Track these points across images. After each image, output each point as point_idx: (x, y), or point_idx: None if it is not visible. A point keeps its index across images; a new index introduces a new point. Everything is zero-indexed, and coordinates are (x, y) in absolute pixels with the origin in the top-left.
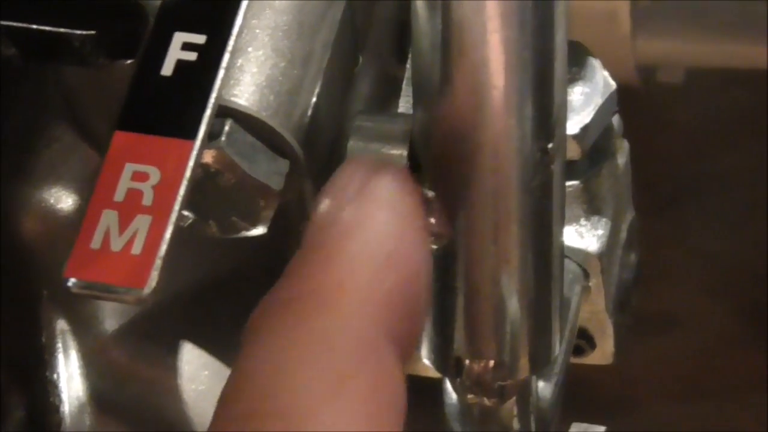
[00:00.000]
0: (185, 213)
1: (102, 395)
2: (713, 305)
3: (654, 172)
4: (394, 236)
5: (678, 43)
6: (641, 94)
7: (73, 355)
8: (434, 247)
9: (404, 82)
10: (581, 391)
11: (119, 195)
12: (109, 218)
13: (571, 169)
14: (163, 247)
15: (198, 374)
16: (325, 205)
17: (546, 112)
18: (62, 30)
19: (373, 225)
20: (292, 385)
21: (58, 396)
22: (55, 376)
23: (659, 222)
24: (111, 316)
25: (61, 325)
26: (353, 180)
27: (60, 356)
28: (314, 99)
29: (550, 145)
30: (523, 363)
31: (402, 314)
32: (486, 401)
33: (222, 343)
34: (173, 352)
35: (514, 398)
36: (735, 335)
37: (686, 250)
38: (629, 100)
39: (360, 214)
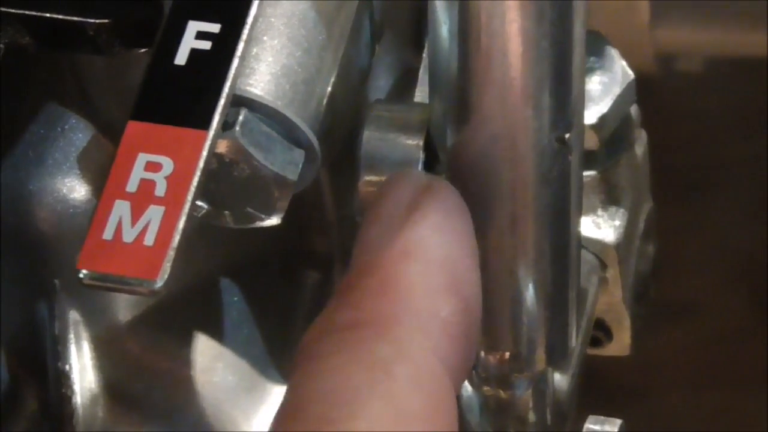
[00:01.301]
0: (199, 203)
1: (115, 386)
2: (731, 295)
3: (673, 162)
4: (450, 262)
5: (697, 32)
6: (660, 84)
7: (86, 346)
8: None
9: (421, 71)
10: (597, 381)
11: (132, 185)
12: (121, 209)
13: (588, 160)
14: (176, 238)
15: (212, 366)
16: (375, 226)
17: (564, 102)
18: (76, 18)
19: (428, 250)
20: (350, 412)
21: (71, 387)
22: (67, 367)
23: (677, 211)
24: (124, 307)
25: (74, 315)
26: (402, 199)
27: (72, 347)
28: (330, 89)
29: (567, 136)
30: (540, 355)
31: (458, 341)
32: (502, 393)
33: (236, 335)
34: (187, 343)
35: (530, 390)
36: (752, 325)
37: (704, 240)
38: (647, 89)
39: (414, 237)
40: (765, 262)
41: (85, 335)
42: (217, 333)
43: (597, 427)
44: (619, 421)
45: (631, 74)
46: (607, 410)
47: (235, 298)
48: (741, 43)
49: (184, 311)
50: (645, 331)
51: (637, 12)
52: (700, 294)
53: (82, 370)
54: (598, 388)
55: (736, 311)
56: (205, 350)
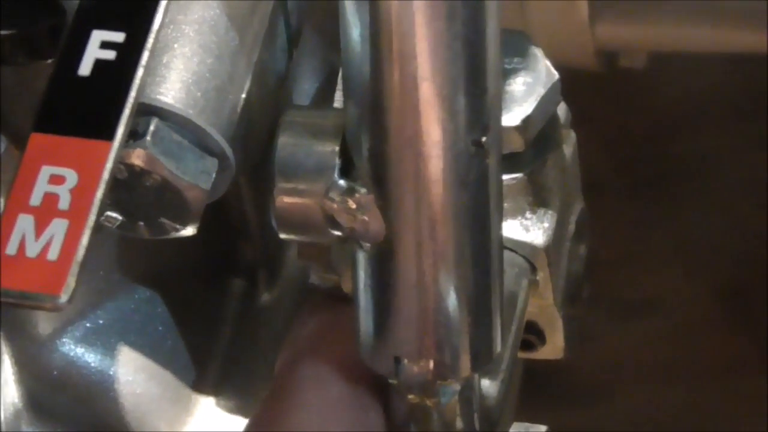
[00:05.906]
0: (113, 214)
1: (37, 400)
2: (694, 289)
3: (628, 156)
4: None
5: (639, 28)
6: (607, 79)
7: (7, 361)
8: (369, 245)
9: (339, 75)
10: (560, 377)
11: (35, 199)
12: (24, 223)
13: (515, 161)
14: (81, 252)
15: (135, 378)
16: None
17: (479, 104)
18: None
19: None
20: None
21: None
22: None
23: (638, 206)
24: (45, 320)
25: None
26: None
27: None
28: (244, 95)
29: (484, 139)
30: (464, 361)
31: None
32: (427, 401)
33: (160, 346)
34: (110, 356)
35: (456, 397)
36: (715, 319)
37: (666, 235)
38: (595, 84)
39: None
40: (728, 256)
41: (6, 350)
42: (140, 344)
43: None
44: (543, 428)
45: (555, 74)
46: (571, 409)
47: (159, 309)
48: (685, 38)
49: (106, 324)
50: (608, 326)
51: (577, 9)
52: (662, 288)
53: (4, 384)
54: (561, 384)
55: (700, 305)
56: (128, 362)
